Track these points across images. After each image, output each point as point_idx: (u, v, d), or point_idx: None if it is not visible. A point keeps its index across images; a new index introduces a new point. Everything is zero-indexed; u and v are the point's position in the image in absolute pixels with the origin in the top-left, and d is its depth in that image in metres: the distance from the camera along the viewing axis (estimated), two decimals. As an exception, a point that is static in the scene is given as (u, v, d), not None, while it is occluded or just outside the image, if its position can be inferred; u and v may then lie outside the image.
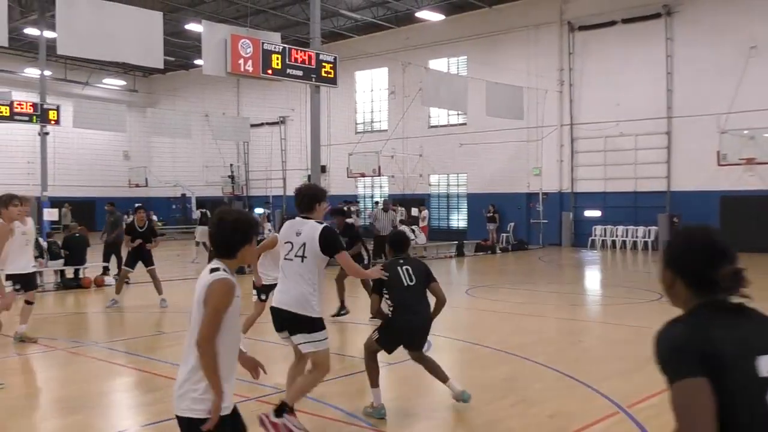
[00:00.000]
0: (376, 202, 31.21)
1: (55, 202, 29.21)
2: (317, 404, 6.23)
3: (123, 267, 12.95)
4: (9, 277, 8.60)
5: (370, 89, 34.33)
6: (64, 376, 7.67)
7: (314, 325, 5.24)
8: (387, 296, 5.97)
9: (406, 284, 5.95)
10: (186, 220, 37.60)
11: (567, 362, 7.86)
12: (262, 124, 35.76)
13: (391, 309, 6.00)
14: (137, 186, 38.09)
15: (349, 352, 8.94)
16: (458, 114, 29.48)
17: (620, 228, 25.89)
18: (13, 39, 19.96)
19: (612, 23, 26.29)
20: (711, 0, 24.30)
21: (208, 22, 17.50)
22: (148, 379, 7.38)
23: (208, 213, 30.95)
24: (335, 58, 18.90)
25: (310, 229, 5.21)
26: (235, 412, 3.35)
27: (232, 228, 3.42)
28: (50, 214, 27.06)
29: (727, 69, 23.34)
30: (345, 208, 16.10)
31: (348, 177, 30.65)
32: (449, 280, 18.02)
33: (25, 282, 8.85)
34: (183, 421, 3.27)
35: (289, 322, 5.26)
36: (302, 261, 5.22)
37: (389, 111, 32.99)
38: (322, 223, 5.37)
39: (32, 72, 34.51)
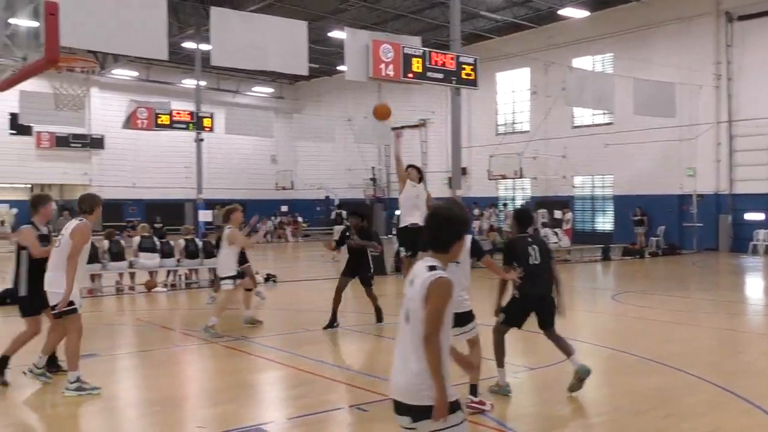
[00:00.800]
0: (504, 204, 30.78)
1: (209, 204, 31.02)
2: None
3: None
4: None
5: (512, 90, 33.88)
6: (218, 368, 8.12)
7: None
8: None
9: (532, 262, 6.51)
10: (330, 222, 38.76)
11: (724, 375, 7.38)
12: (403, 127, 36.17)
13: (516, 285, 6.56)
14: (283, 189, 39.73)
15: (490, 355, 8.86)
16: (603, 113, 28.47)
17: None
18: (172, 53, 21.43)
19: (775, 11, 24.46)
20: None
21: (351, 28, 17.94)
22: (294, 374, 7.67)
23: (344, 214, 31.83)
24: (475, 60, 18.80)
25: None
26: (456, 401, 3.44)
27: (446, 224, 3.49)
28: (205, 216, 28.84)
29: None
30: (475, 211, 15.91)
31: (489, 179, 30.38)
32: (594, 285, 17.43)
33: (240, 275, 10.33)
34: (422, 409, 3.32)
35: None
36: (456, 265, 5.70)
37: (531, 112, 32.40)
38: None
39: (188, 83, 36.88)
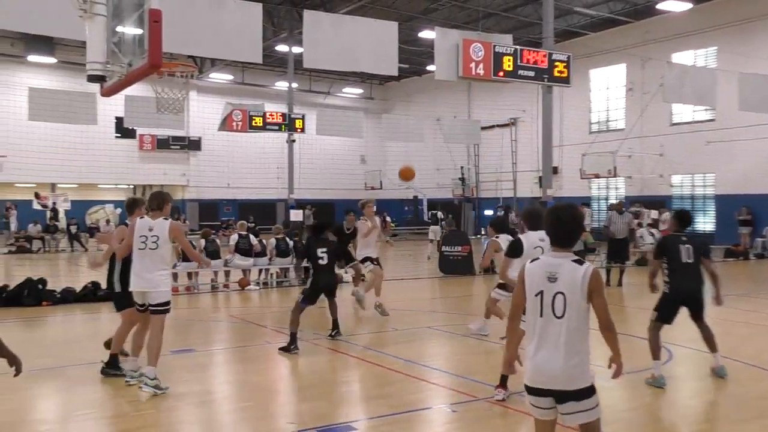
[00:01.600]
0: (611, 204, 29.88)
1: (299, 204, 31.63)
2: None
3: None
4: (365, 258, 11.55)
5: (606, 87, 32.97)
6: (308, 365, 8.24)
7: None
8: (665, 267, 7.03)
9: (684, 261, 6.91)
10: (417, 221, 38.79)
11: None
12: (492, 127, 35.84)
13: (666, 281, 6.98)
14: (372, 188, 40.06)
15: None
16: (705, 109, 27.31)
17: None
18: (265, 56, 21.91)
19: None
20: None
21: (441, 28, 17.89)
22: (381, 373, 7.70)
23: (439, 214, 31.75)
24: (569, 57, 18.41)
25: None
26: None
27: (572, 221, 3.80)
28: (295, 215, 29.42)
29: None
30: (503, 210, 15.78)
31: (581, 178, 29.68)
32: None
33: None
34: (585, 390, 3.78)
35: None
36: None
37: (626, 109, 31.43)
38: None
39: (281, 85, 37.74)
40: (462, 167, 38.91)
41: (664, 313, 7.11)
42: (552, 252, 3.78)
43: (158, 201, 7.26)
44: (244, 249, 15.36)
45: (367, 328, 10.56)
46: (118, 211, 39.06)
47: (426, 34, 28.20)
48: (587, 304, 3.66)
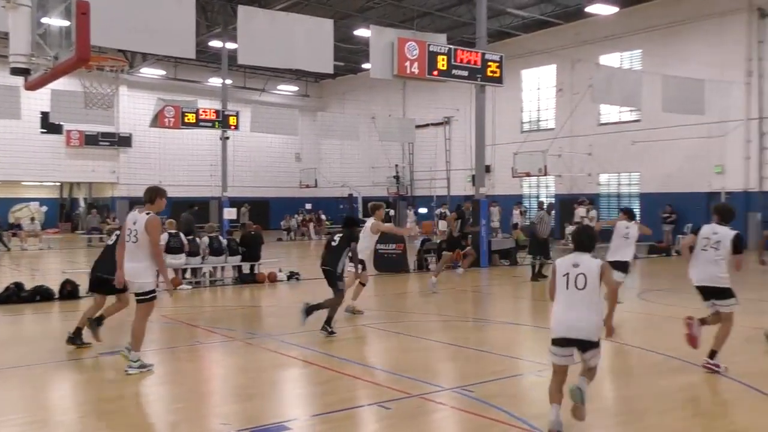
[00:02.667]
0: (518, 203, 30.51)
1: (234, 202, 31.20)
2: (480, 404, 6.19)
3: None
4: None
5: (537, 87, 33.66)
6: (240, 365, 8.16)
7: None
8: None
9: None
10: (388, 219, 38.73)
11: (753, 374, 7.26)
12: (427, 125, 36.14)
13: None
14: (307, 186, 39.86)
15: (516, 354, 8.82)
16: (631, 110, 28.19)
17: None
18: (199, 51, 21.50)
19: (809, 6, 24.04)
20: None
21: (376, 26, 17.95)
22: (316, 372, 7.68)
23: (391, 212, 31.81)
24: (501, 58, 18.73)
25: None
26: None
27: (593, 232, 5.89)
28: (229, 213, 29.03)
29: None
30: (463, 208, 16.08)
31: (513, 177, 30.22)
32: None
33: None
34: (595, 344, 5.52)
35: None
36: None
37: (556, 109, 32.17)
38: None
39: (215, 81, 37.15)
40: (397, 165, 39.10)
41: None
42: (576, 253, 5.74)
43: (150, 195, 7.62)
44: (174, 247, 15.06)
45: (302, 327, 10.50)
46: (44, 209, 37.83)
47: (361, 32, 28.22)
48: (599, 282, 5.53)
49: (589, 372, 5.60)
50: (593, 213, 27.24)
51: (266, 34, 14.85)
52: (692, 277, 7.78)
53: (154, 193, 7.62)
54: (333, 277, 9.94)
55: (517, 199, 31.03)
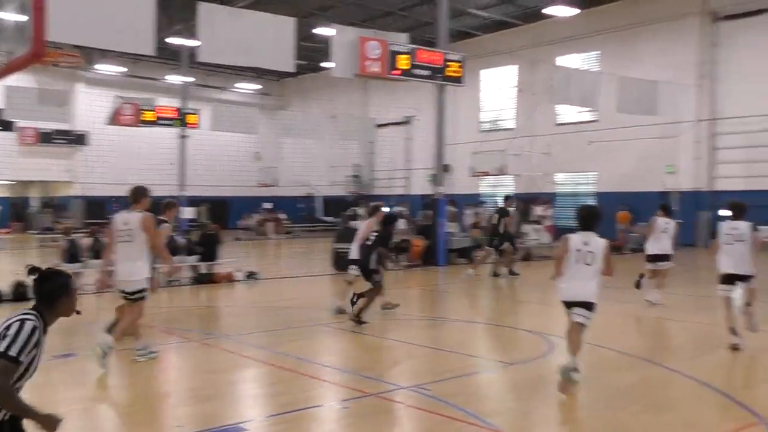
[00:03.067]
0: (482, 202, 30.78)
1: (193, 202, 30.85)
2: (437, 403, 6.22)
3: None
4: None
5: (497, 88, 33.94)
6: (197, 366, 8.08)
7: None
8: None
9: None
10: (312, 219, 38.63)
11: (703, 370, 7.44)
12: (388, 124, 36.18)
13: None
14: (267, 186, 39.59)
15: (472, 352, 8.88)
16: (588, 111, 28.61)
17: (764, 228, 24.05)
18: (158, 48, 21.11)
19: (760, 12, 24.61)
20: None
21: (338, 25, 17.91)
22: (272, 372, 7.64)
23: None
24: (463, 58, 18.84)
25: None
26: None
27: (597, 211, 7.01)
28: (188, 213, 28.68)
29: None
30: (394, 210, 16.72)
31: (472, 176, 30.44)
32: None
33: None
34: (591, 303, 6.70)
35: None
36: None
37: (516, 109, 32.49)
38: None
39: (174, 78, 36.63)
40: (356, 165, 39.07)
41: None
42: (582, 232, 6.77)
43: (134, 195, 7.91)
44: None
45: (260, 327, 10.45)
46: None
47: (323, 30, 28.09)
48: (603, 258, 6.67)
49: (579, 327, 6.73)
50: (550, 212, 27.56)
51: (227, 32, 14.68)
52: (725, 269, 8.82)
53: (139, 193, 7.92)
54: (367, 272, 10.39)
55: (476, 199, 31.23)
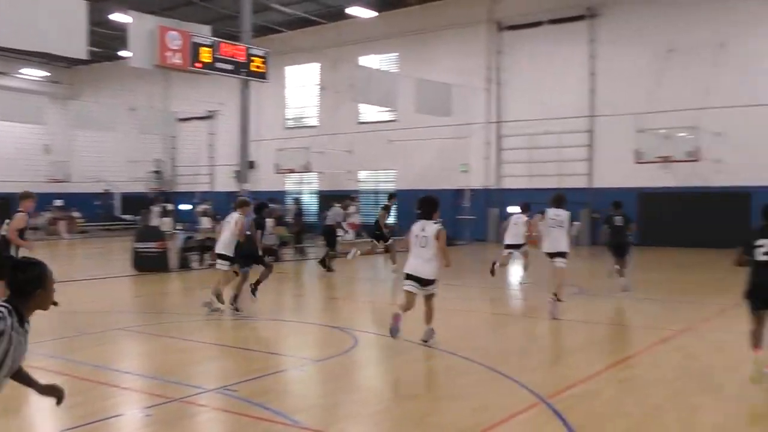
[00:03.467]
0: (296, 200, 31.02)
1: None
2: (244, 403, 6.18)
3: None
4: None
5: (301, 85, 34.11)
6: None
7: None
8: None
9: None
10: (110, 217, 36.50)
11: (491, 356, 8.02)
12: (191, 119, 35.07)
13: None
14: (58, 181, 36.77)
15: (279, 351, 8.90)
16: (388, 110, 29.62)
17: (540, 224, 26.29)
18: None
19: (539, 23, 26.90)
20: (631, 3, 25.21)
21: (136, 12, 17.03)
22: (68, 382, 7.15)
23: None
24: (266, 53, 18.70)
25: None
26: None
27: (434, 200, 8.64)
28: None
29: (645, 71, 24.39)
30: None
31: (276, 173, 30.39)
32: (375, 275, 18.13)
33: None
34: (432, 281, 8.25)
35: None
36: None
37: (320, 107, 32.87)
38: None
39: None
40: (157, 160, 37.44)
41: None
42: (423, 220, 8.30)
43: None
44: None
45: (51, 334, 9.72)
46: None
47: (119, 17, 26.60)
48: (435, 241, 8.12)
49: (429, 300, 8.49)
50: (352, 208, 28.22)
51: (7, 11, 13.41)
52: (547, 249, 11.09)
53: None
54: (257, 259, 11.61)
55: (281, 196, 31.23)
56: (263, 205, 12.49)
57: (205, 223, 25.49)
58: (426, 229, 8.18)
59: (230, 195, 22.30)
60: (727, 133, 22.85)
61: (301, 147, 28.95)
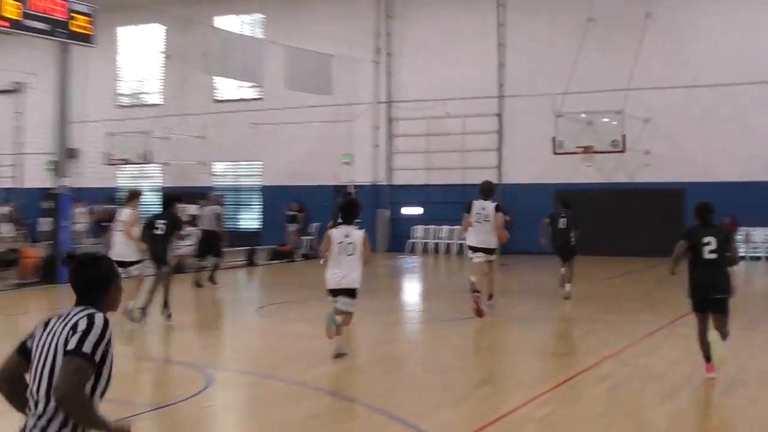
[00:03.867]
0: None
1: None
2: None
3: None
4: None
5: (140, 51, 33.19)
6: None
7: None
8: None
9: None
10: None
11: (380, 395, 8.01)
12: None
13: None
14: None
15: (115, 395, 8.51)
16: (251, 86, 29.22)
17: (445, 228, 26.76)
18: None
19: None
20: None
21: None
22: None
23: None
24: (94, 10, 18.15)
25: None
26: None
27: (357, 202, 11.17)
28: None
29: (563, 43, 25.05)
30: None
31: (107, 164, 29.37)
32: (236, 296, 17.88)
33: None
34: (355, 291, 9.40)
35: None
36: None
37: (164, 80, 32.08)
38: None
39: None
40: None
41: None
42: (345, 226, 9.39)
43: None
44: None
45: None
46: None
47: None
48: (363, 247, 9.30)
49: (347, 317, 9.55)
50: (207, 210, 27.57)
51: None
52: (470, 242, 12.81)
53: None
54: (161, 262, 11.95)
55: (111, 192, 30.17)
56: (174, 196, 13.32)
57: (6, 230, 24.18)
58: (351, 236, 9.29)
59: (44, 192, 21.32)
60: (656, 120, 23.97)
61: (139, 131, 28.09)
